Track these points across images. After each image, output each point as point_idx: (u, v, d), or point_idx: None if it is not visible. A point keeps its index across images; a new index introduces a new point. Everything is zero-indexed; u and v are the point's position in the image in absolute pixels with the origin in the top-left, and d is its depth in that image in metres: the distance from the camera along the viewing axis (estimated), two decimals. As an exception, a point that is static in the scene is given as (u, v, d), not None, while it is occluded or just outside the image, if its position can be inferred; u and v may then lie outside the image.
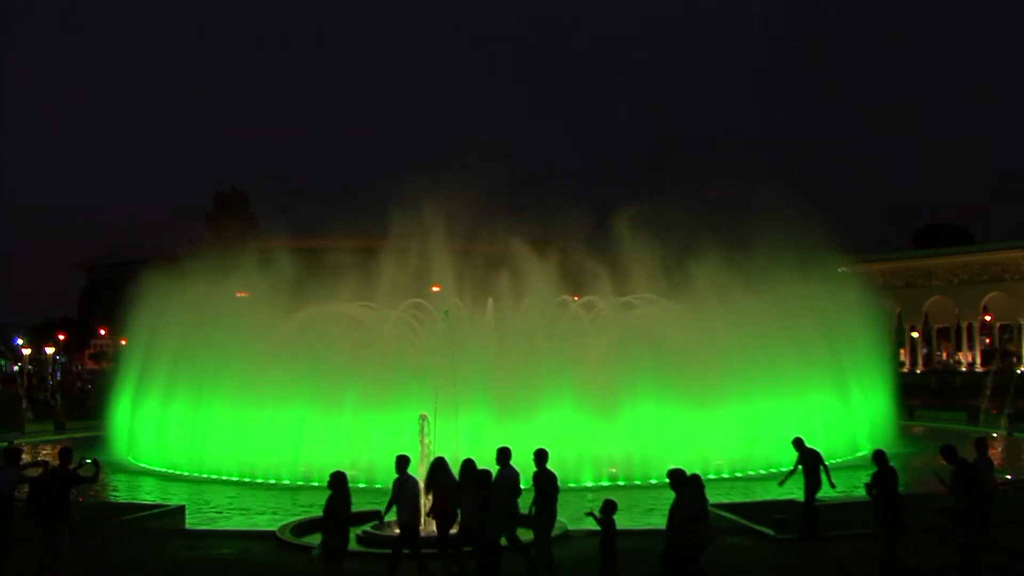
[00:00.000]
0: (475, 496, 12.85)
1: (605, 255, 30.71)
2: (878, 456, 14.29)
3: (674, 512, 11.82)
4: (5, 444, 32.25)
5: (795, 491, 17.83)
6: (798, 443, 17.15)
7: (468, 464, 13.74)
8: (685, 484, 11.98)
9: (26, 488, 13.24)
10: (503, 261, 29.40)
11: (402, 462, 13.87)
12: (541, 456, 13.89)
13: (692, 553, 11.70)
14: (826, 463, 17.12)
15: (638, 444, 24.38)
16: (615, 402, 24.63)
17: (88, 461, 13.78)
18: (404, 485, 13.63)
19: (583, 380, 24.86)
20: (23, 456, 14.79)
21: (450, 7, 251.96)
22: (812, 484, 16.61)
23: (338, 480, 12.61)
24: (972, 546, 13.53)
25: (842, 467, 24.83)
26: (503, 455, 14.20)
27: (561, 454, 24.03)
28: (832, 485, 16.73)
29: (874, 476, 14.08)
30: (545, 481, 13.61)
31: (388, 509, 14.02)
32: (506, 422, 23.68)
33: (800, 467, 16.88)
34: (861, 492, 16.79)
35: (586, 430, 24.23)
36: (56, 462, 13.70)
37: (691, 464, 22.57)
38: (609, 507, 12.88)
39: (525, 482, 14.10)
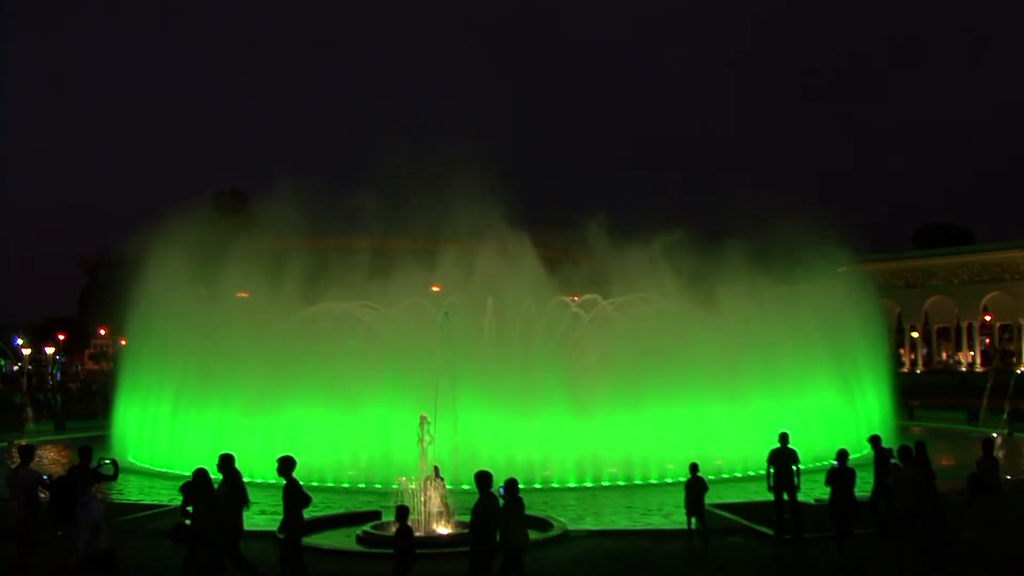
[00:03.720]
0: (202, 503, 12.40)
1: (602, 255, 30.69)
2: (840, 454, 14.87)
3: (474, 511, 11.90)
4: (5, 444, 32.41)
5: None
6: (783, 438, 17.08)
7: (199, 472, 12.93)
8: (488, 485, 11.98)
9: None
10: (502, 261, 29.38)
11: (83, 477, 11.95)
12: (286, 464, 12.76)
13: (500, 553, 11.68)
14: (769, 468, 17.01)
15: (637, 444, 24.37)
16: (613, 402, 24.57)
17: (107, 461, 14.07)
18: (85, 507, 11.42)
19: (581, 381, 24.83)
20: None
21: (441, 6, 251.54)
22: (791, 483, 16.60)
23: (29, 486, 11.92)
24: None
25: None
26: (225, 461, 13.35)
27: (560, 454, 24.15)
28: (769, 488, 16.72)
29: (831, 473, 14.48)
30: (291, 490, 12.72)
31: (79, 536, 11.59)
32: (503, 422, 23.72)
33: (773, 467, 16.82)
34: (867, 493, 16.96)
35: (585, 430, 24.21)
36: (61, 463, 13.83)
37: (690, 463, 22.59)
38: (402, 512, 12.61)
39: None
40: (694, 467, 16.77)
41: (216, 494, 12.78)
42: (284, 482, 12.71)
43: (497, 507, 11.84)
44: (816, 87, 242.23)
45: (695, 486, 16.35)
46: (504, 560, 11.83)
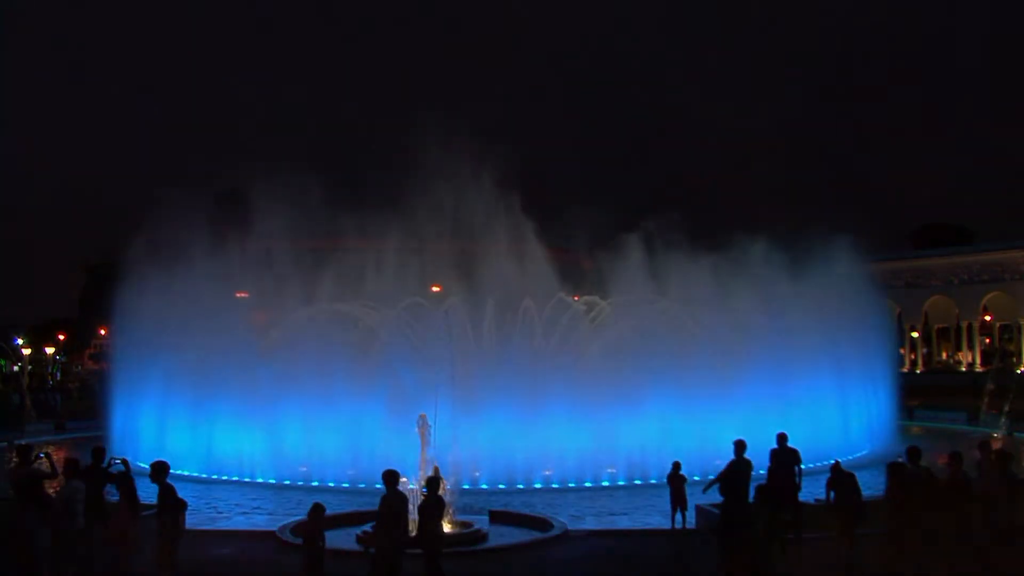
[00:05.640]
0: (35, 514, 12.23)
1: (602, 256, 30.74)
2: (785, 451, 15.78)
3: (379, 510, 12.27)
4: (4, 444, 32.44)
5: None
6: (781, 439, 17.00)
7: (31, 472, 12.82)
8: (395, 482, 12.43)
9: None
10: (502, 261, 29.43)
11: (95, 477, 11.88)
12: (159, 470, 12.52)
13: (398, 552, 11.96)
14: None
15: (637, 444, 24.40)
16: (613, 402, 24.60)
17: (118, 460, 14.19)
18: None
19: (581, 381, 24.86)
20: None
21: (441, 7, 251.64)
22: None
23: None
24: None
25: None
26: (68, 465, 13.14)
27: (560, 454, 24.18)
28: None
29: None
30: (167, 497, 12.37)
31: None
32: (503, 422, 23.77)
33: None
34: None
35: (585, 431, 24.24)
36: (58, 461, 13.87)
37: (690, 464, 22.95)
38: (316, 510, 12.51)
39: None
40: (676, 465, 17.61)
41: (51, 501, 12.64)
42: (159, 486, 12.37)
43: (403, 504, 12.23)
44: (816, 87, 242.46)
45: (676, 480, 17.31)
46: (424, 559, 12.13)
